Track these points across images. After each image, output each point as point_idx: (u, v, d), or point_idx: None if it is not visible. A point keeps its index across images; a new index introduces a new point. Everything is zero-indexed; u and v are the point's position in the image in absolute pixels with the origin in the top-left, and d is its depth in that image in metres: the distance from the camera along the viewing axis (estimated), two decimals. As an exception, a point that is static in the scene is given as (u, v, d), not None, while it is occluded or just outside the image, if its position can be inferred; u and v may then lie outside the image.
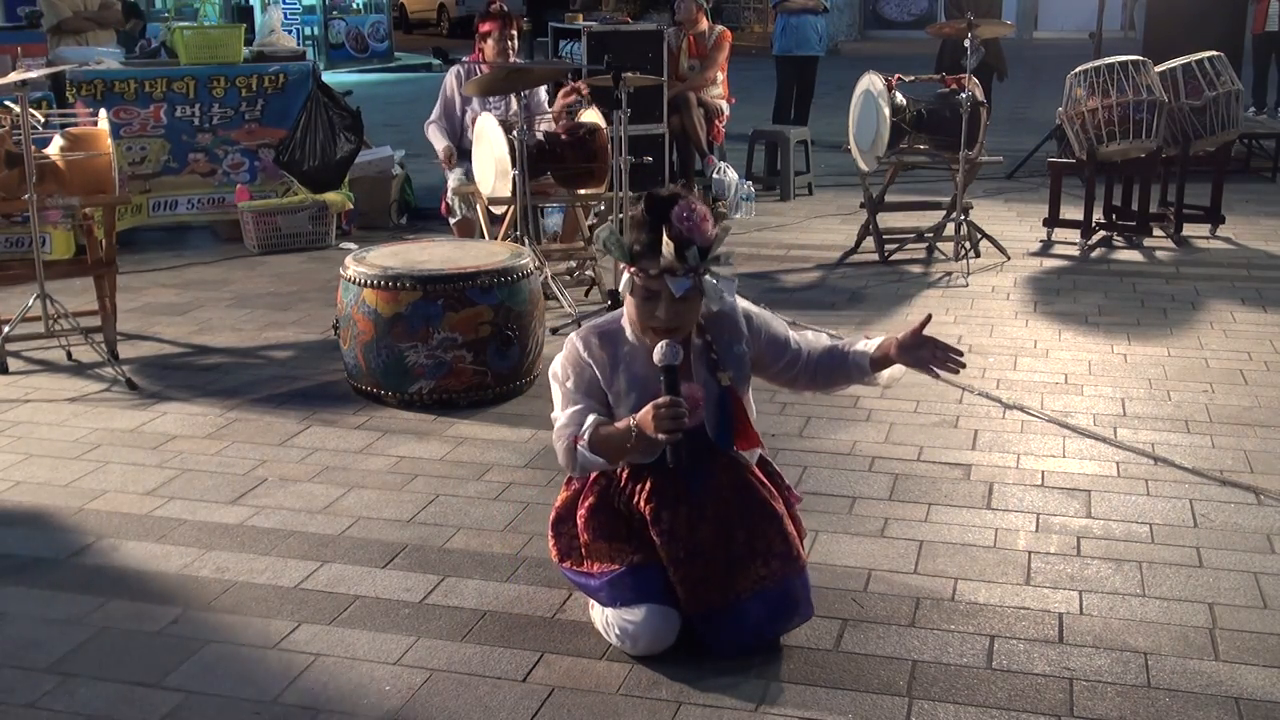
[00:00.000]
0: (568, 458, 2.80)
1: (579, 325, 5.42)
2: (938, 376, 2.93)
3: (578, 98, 6.20)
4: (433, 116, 6.66)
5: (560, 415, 2.84)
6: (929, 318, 2.91)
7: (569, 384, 2.84)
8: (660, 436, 2.62)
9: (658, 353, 2.67)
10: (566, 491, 2.99)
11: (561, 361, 2.86)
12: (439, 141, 6.59)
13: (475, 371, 4.48)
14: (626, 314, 2.82)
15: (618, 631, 2.80)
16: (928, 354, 2.86)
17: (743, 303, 2.96)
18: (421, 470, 3.93)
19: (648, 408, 2.64)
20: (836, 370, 2.99)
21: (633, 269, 2.71)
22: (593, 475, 2.89)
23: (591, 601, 2.91)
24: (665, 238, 2.64)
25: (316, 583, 3.18)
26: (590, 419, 2.76)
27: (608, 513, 2.88)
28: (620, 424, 2.74)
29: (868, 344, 2.96)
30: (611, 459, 2.78)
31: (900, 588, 3.12)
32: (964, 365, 2.90)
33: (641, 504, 2.82)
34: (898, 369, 2.93)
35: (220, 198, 7.36)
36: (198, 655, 2.84)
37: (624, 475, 2.87)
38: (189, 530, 3.50)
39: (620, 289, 2.77)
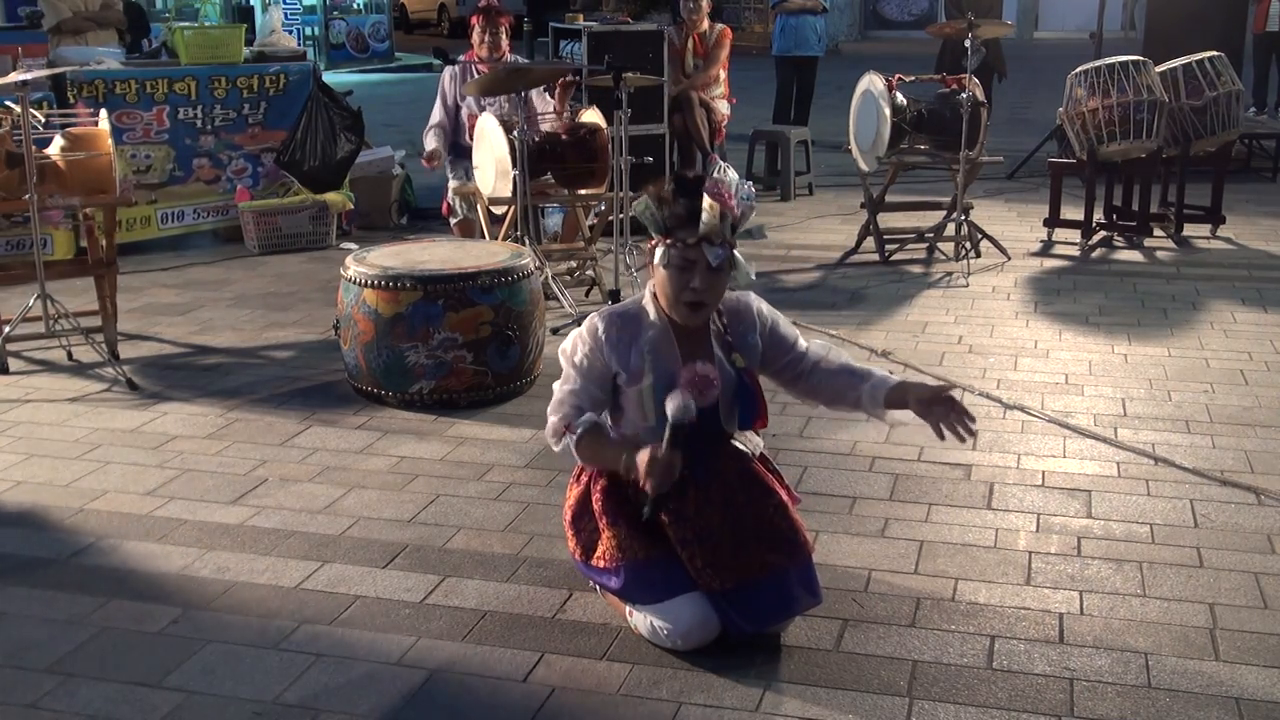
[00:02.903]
0: (555, 438, 2.90)
1: (579, 325, 5.47)
2: (942, 437, 2.85)
3: (575, 90, 6.26)
4: (432, 121, 6.65)
5: (558, 390, 2.92)
6: (952, 387, 2.89)
7: (574, 361, 2.90)
8: (645, 487, 2.66)
9: (671, 404, 2.65)
10: (579, 486, 3.00)
11: (574, 339, 2.91)
12: (429, 144, 6.61)
13: (475, 372, 4.48)
14: (656, 289, 2.85)
15: (667, 631, 2.80)
16: (943, 412, 2.82)
17: (755, 298, 3.01)
18: (422, 470, 3.93)
19: (645, 452, 2.67)
20: (847, 392, 2.96)
21: (669, 240, 2.75)
22: None
23: (630, 610, 2.91)
24: (708, 201, 2.70)
25: (317, 583, 3.18)
26: (586, 417, 2.84)
27: (619, 496, 2.90)
28: (616, 444, 2.83)
29: (887, 379, 2.92)
30: (590, 464, 2.88)
31: (901, 588, 3.12)
32: (974, 435, 2.84)
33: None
34: (908, 415, 2.90)
35: (225, 206, 7.34)
36: (198, 655, 2.84)
37: None
38: (189, 530, 3.50)
39: (655, 261, 2.80)
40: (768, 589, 2.80)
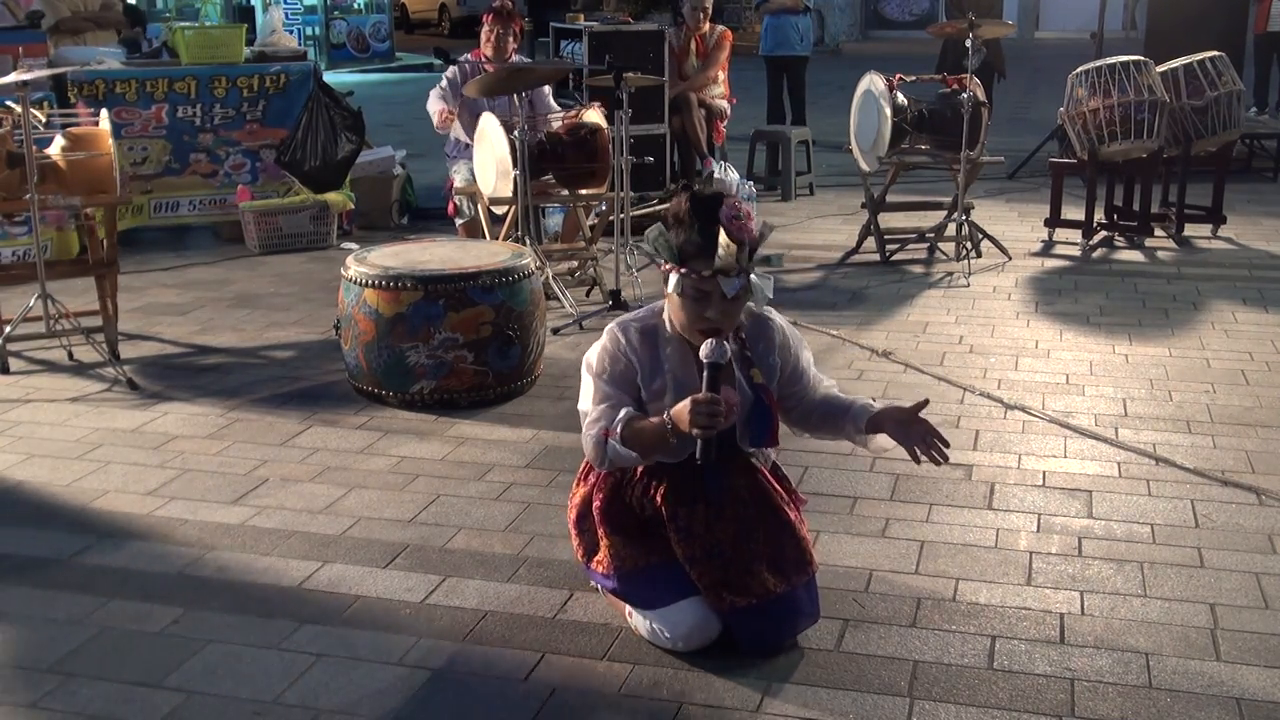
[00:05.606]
0: (597, 451, 2.76)
1: (580, 326, 5.49)
2: (918, 461, 2.82)
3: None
4: (434, 100, 6.59)
5: (590, 408, 2.80)
6: (926, 401, 2.84)
7: (603, 376, 2.80)
8: (695, 432, 2.60)
9: (705, 349, 2.63)
10: (583, 487, 2.98)
11: (598, 353, 2.83)
12: (436, 104, 6.51)
13: (476, 372, 4.48)
14: (670, 312, 2.80)
15: (667, 635, 2.79)
16: (917, 434, 2.79)
17: (780, 319, 2.95)
18: (422, 470, 3.93)
19: (685, 402, 2.62)
20: (831, 420, 2.95)
21: (682, 270, 2.69)
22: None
23: (629, 610, 2.91)
24: (724, 239, 2.63)
25: (318, 583, 3.18)
26: (623, 412, 2.73)
27: (620, 507, 2.89)
28: (654, 419, 2.72)
29: (870, 406, 2.90)
30: (643, 454, 2.74)
31: (901, 588, 3.12)
32: (946, 459, 2.80)
33: (658, 500, 2.83)
34: (890, 442, 2.87)
35: (222, 199, 7.36)
36: (198, 655, 2.83)
37: (639, 471, 2.87)
38: (190, 530, 3.50)
39: (669, 289, 2.74)
40: (774, 611, 2.78)
